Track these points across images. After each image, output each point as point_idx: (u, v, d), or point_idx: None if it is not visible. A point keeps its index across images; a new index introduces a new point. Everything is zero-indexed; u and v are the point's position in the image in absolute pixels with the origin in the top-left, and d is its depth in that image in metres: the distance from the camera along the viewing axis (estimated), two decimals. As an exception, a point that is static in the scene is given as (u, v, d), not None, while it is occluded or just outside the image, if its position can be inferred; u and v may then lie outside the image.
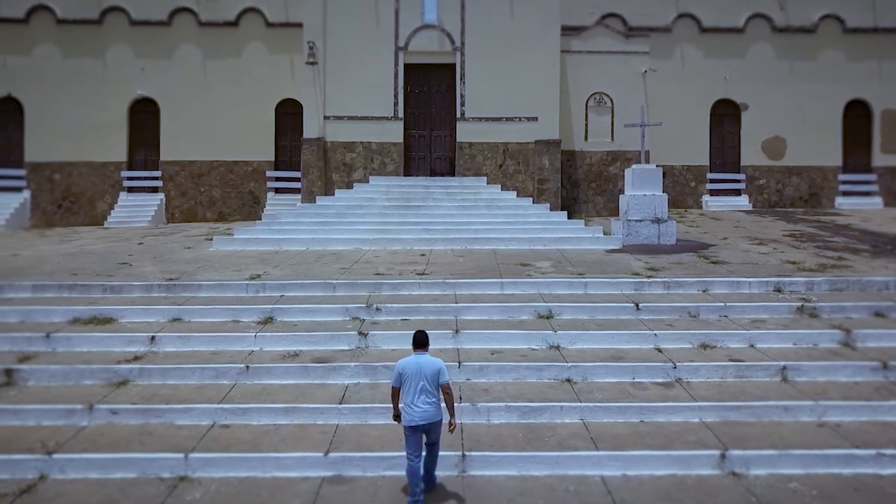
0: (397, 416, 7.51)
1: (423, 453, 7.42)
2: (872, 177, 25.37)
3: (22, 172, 24.22)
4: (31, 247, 18.33)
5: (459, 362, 9.94)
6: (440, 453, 7.65)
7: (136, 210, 23.78)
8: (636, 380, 9.83)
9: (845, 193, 25.24)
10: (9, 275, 13.89)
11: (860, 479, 7.77)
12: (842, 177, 25.27)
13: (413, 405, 7.23)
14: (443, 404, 7.37)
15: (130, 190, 24.41)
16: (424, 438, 7.38)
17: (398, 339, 10.59)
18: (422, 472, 7.38)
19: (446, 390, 7.35)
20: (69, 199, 24.26)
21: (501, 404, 9.04)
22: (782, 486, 7.61)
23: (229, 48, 24.28)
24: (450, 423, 7.38)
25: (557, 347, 10.61)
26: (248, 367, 9.96)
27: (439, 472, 7.78)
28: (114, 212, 23.81)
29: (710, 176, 25.18)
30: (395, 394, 7.43)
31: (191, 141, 24.20)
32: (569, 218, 19.52)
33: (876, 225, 20.31)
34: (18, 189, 24.21)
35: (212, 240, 17.84)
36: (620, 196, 18.10)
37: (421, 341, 7.52)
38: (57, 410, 8.96)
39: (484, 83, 21.38)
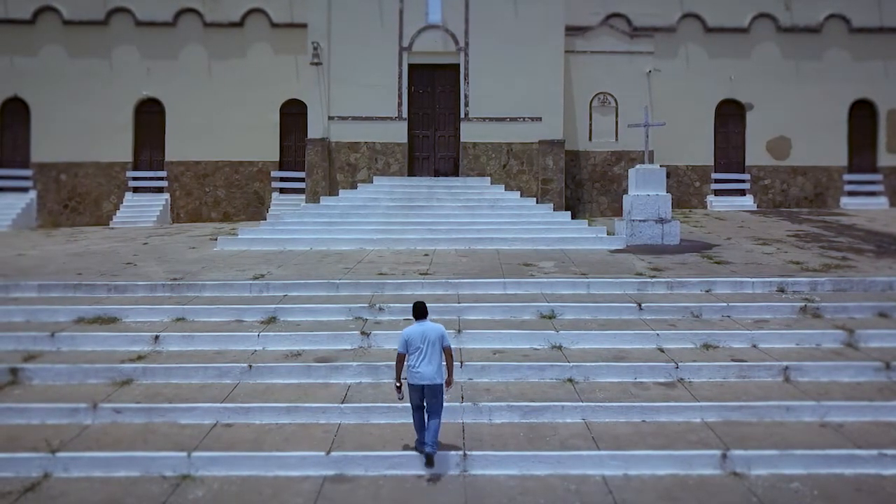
0: (399, 387, 8.09)
1: (427, 421, 7.99)
2: (878, 177, 25.28)
3: (28, 173, 24.35)
4: (36, 247, 18.43)
5: (462, 362, 9.97)
6: (440, 427, 8.02)
7: (141, 210, 23.88)
8: (638, 380, 9.83)
9: (850, 193, 25.16)
10: (15, 275, 13.98)
11: (862, 480, 7.75)
12: (847, 177, 25.18)
13: (416, 368, 7.89)
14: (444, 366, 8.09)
15: (136, 190, 24.51)
16: (425, 402, 7.96)
17: (401, 338, 10.63)
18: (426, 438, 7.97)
19: (448, 352, 8.08)
20: (75, 199, 24.37)
21: (503, 404, 9.06)
22: (784, 487, 7.61)
23: (234, 49, 24.35)
24: (447, 382, 8.08)
25: (560, 347, 10.62)
26: (250, 366, 10.00)
27: (440, 471, 7.83)
28: (119, 212, 23.91)
29: (714, 176, 25.13)
30: (401, 360, 8.05)
31: (196, 141, 24.29)
32: (573, 218, 19.54)
33: (881, 225, 20.24)
34: (25, 189, 24.33)
35: (216, 240, 17.90)
36: (624, 196, 18.11)
37: (421, 311, 8.20)
38: (61, 409, 9.02)
39: (488, 83, 21.38)
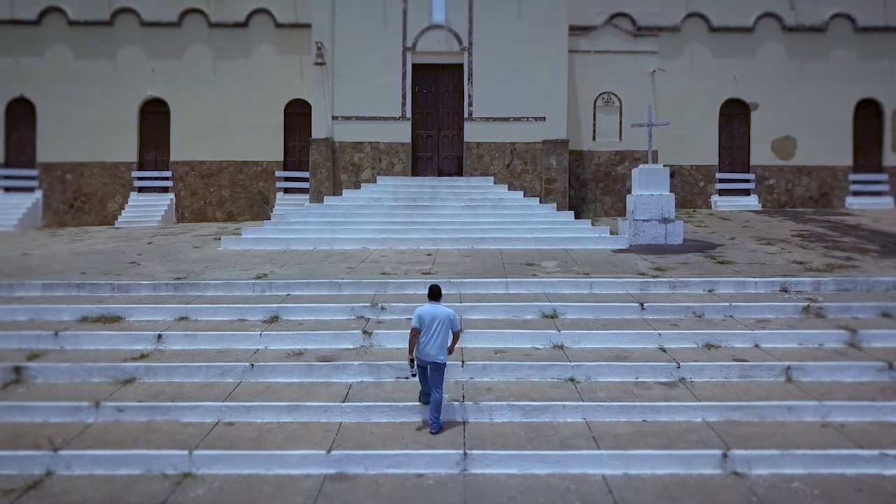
0: (412, 361, 8.71)
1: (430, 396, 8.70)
2: (883, 176, 25.20)
3: (34, 172, 24.45)
4: (42, 246, 18.52)
5: (463, 361, 9.99)
6: (443, 403, 8.79)
7: (146, 210, 23.96)
8: (639, 379, 9.83)
9: (856, 193, 25.09)
10: (19, 274, 14.04)
11: (863, 480, 7.74)
12: (852, 176, 25.11)
13: (422, 347, 8.59)
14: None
15: (141, 190, 24.60)
16: (428, 375, 8.71)
17: (402, 338, 10.57)
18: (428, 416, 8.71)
19: (455, 336, 8.83)
20: (80, 198, 24.47)
21: (504, 403, 9.07)
22: (784, 486, 7.60)
23: (239, 49, 24.41)
24: (449, 349, 8.80)
25: (561, 347, 10.63)
26: (252, 365, 10.04)
27: (441, 471, 7.86)
28: (124, 212, 24.00)
29: (719, 176, 25.08)
30: (416, 335, 8.64)
31: (201, 141, 24.37)
32: (576, 218, 19.54)
33: (886, 225, 20.17)
34: (31, 189, 24.44)
35: (220, 239, 17.95)
36: (627, 196, 18.09)
37: (435, 293, 8.90)
38: (64, 407, 9.06)
39: (492, 83, 21.39)
